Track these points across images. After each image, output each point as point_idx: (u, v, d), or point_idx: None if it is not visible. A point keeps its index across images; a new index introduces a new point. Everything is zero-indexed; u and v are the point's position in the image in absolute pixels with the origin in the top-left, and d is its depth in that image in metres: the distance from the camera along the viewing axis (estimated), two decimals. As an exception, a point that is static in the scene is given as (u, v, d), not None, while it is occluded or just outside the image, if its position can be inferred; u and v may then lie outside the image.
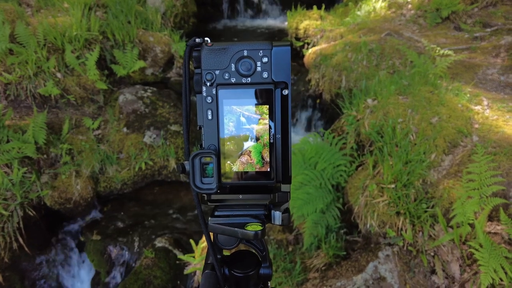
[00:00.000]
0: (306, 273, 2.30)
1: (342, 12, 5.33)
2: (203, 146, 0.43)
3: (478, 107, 2.54)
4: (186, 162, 0.43)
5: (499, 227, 1.93)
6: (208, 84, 0.42)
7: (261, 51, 0.43)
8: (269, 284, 0.52)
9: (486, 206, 1.86)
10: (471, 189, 1.89)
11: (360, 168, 2.46)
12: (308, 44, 4.90)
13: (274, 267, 2.30)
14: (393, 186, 2.15)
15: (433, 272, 2.05)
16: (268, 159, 0.43)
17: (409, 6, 4.68)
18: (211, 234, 0.46)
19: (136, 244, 2.92)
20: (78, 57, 3.54)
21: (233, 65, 0.43)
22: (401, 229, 2.13)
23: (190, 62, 0.44)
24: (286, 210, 0.46)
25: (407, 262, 2.11)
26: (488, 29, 3.89)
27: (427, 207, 2.10)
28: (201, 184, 0.42)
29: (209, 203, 0.46)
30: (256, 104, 0.42)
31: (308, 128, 4.29)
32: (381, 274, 2.07)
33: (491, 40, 3.69)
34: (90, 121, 3.46)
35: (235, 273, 0.48)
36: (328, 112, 3.92)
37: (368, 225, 2.25)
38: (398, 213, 2.13)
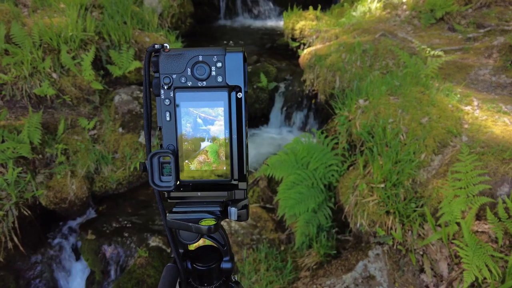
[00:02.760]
0: (298, 272, 2.33)
1: (338, 13, 5.36)
2: (163, 146, 0.46)
3: (468, 108, 2.57)
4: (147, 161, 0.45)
5: (487, 226, 1.96)
6: (166, 87, 0.45)
7: (215, 57, 0.45)
8: (232, 278, 0.55)
9: (473, 205, 1.88)
10: (457, 188, 1.91)
11: (351, 168, 2.48)
12: (304, 44, 4.93)
13: (265, 266, 2.32)
14: (382, 185, 2.17)
15: (422, 270, 2.07)
16: (224, 158, 0.46)
17: (404, 7, 4.71)
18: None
19: (130, 243, 2.94)
20: (73, 58, 3.56)
21: (189, 70, 0.45)
22: (391, 228, 2.16)
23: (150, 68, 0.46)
24: (244, 207, 0.49)
25: (396, 260, 2.13)
26: (482, 30, 3.92)
27: (416, 207, 2.13)
28: (160, 182, 0.45)
29: (169, 200, 0.48)
30: (211, 106, 0.45)
31: (303, 128, 4.32)
32: (371, 273, 2.09)
33: (484, 40, 3.72)
34: (86, 121, 3.48)
35: (197, 267, 0.51)
36: (323, 112, 3.95)
37: (358, 224, 2.27)
38: (387, 212, 2.16)
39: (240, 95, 0.46)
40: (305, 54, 4.27)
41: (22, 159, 2.92)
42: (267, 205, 3.01)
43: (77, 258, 3.06)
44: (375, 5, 4.89)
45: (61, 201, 3.03)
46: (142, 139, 3.53)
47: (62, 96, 3.48)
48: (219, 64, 0.45)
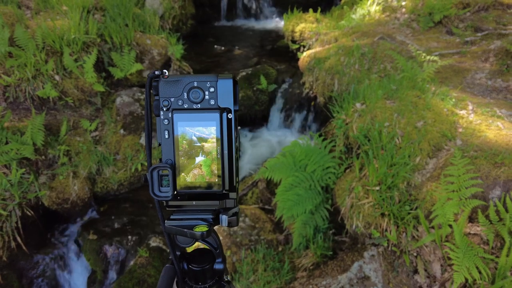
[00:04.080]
0: (295, 272, 2.38)
1: (338, 15, 5.40)
2: (162, 160, 0.52)
3: (463, 112, 2.61)
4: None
5: (479, 228, 2.00)
6: (165, 109, 0.51)
7: (208, 83, 0.51)
8: (224, 278, 0.61)
9: (466, 208, 1.93)
10: (450, 191, 1.96)
11: (348, 171, 2.53)
12: (304, 47, 4.98)
13: (263, 266, 2.37)
14: (378, 188, 2.22)
15: (416, 271, 2.12)
16: (216, 171, 0.51)
17: (403, 10, 4.75)
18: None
19: (131, 243, 2.99)
20: (76, 60, 3.61)
21: (185, 94, 0.51)
22: (386, 230, 2.21)
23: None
24: (234, 214, 0.55)
25: (391, 262, 2.18)
26: (479, 34, 3.96)
27: (411, 209, 2.18)
28: (159, 192, 0.51)
29: (167, 208, 0.54)
30: (205, 126, 0.50)
31: (302, 130, 4.37)
32: (366, 274, 2.14)
33: (482, 44, 3.76)
34: (88, 123, 3.53)
35: (192, 267, 0.57)
36: (322, 115, 3.99)
37: (354, 226, 2.32)
38: (382, 215, 2.21)
39: (230, 116, 0.52)
40: (304, 56, 4.32)
41: (25, 160, 2.98)
42: (266, 206, 3.06)
43: (79, 258, 3.12)
44: (374, 8, 4.93)
45: (63, 201, 3.09)
46: (143, 140, 3.58)
47: (64, 98, 3.54)
48: (211, 89, 0.51)
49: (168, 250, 2.92)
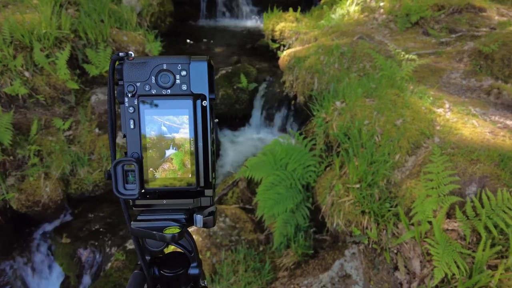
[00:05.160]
0: (276, 272, 2.35)
1: (318, 15, 5.43)
2: (127, 154, 0.46)
3: (440, 110, 2.66)
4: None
5: (456, 224, 2.03)
6: (129, 95, 0.45)
7: (179, 65, 0.46)
8: (201, 283, 0.55)
9: (444, 205, 1.95)
10: (429, 188, 1.98)
11: (328, 169, 2.53)
12: (284, 46, 4.97)
13: (244, 267, 2.33)
14: (358, 186, 2.22)
15: (396, 268, 2.13)
16: (189, 166, 0.46)
17: (381, 10, 4.82)
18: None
19: (107, 246, 2.88)
20: (47, 56, 3.45)
21: (153, 78, 0.46)
22: (366, 228, 2.21)
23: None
24: (211, 213, 0.49)
25: (372, 259, 2.18)
26: (454, 35, 4.07)
27: (391, 206, 2.19)
28: (124, 190, 0.45)
29: (134, 208, 0.48)
30: (176, 114, 0.45)
31: (283, 129, 4.35)
32: (347, 272, 2.13)
33: (456, 45, 3.86)
34: (61, 122, 3.38)
35: (164, 273, 0.51)
36: (302, 114, 3.99)
37: (335, 224, 2.31)
38: (363, 212, 2.21)
39: (205, 103, 0.47)
40: (284, 55, 4.31)
41: (-9, 161, 2.82)
42: (247, 206, 3.02)
43: (51, 263, 2.98)
44: (353, 8, 4.98)
45: (34, 204, 2.93)
46: (119, 139, 3.46)
47: (35, 95, 3.37)
48: (183, 73, 0.46)
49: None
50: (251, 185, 3.08)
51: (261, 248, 2.57)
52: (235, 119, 4.53)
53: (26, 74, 3.36)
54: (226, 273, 2.30)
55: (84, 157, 3.28)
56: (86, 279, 2.80)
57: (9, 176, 2.90)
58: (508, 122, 2.60)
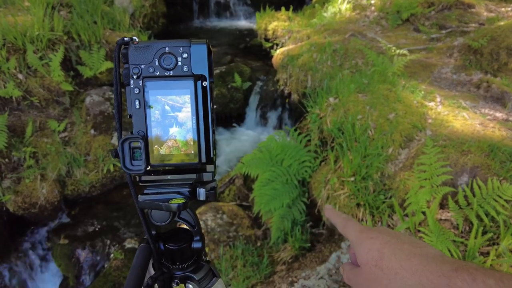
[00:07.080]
0: (274, 266, 2.37)
1: (310, 14, 5.48)
2: (133, 132, 0.49)
3: (431, 103, 2.71)
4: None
5: (449, 213, 2.08)
6: (135, 77, 0.48)
7: (181, 48, 0.49)
8: (203, 257, 0.58)
9: (437, 195, 2.00)
10: (422, 179, 2.02)
11: (323, 163, 2.56)
12: (277, 45, 5.01)
13: (242, 262, 2.35)
14: (352, 179, 2.26)
15: (391, 259, 2.17)
16: (191, 143, 0.49)
17: (372, 8, 4.88)
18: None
19: (105, 246, 2.89)
20: (41, 58, 3.45)
21: (156, 60, 0.49)
22: (362, 220, 2.25)
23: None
24: (212, 188, 0.52)
25: (367, 251, 2.22)
26: (444, 31, 4.13)
27: (385, 198, 2.23)
28: (131, 166, 0.48)
29: (140, 184, 0.51)
30: (178, 94, 0.48)
31: (277, 127, 4.39)
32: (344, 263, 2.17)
33: (446, 41, 3.93)
34: (56, 124, 3.38)
35: (169, 247, 0.54)
36: (296, 111, 4.03)
37: (331, 218, 2.35)
38: (358, 205, 2.25)
39: (205, 83, 0.50)
40: (278, 54, 4.35)
41: (-13, 164, 2.81)
42: (244, 203, 3.04)
43: (49, 264, 2.97)
44: (345, 6, 5.04)
45: (31, 206, 2.93)
46: (114, 140, 3.46)
47: (29, 97, 3.37)
48: (184, 55, 0.49)
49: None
50: (248, 182, 3.11)
51: (258, 243, 2.60)
52: (230, 118, 4.55)
53: (20, 76, 3.35)
54: (224, 269, 2.33)
55: (80, 158, 3.28)
56: (85, 279, 2.81)
57: (5, 179, 2.89)
58: (497, 114, 2.66)
